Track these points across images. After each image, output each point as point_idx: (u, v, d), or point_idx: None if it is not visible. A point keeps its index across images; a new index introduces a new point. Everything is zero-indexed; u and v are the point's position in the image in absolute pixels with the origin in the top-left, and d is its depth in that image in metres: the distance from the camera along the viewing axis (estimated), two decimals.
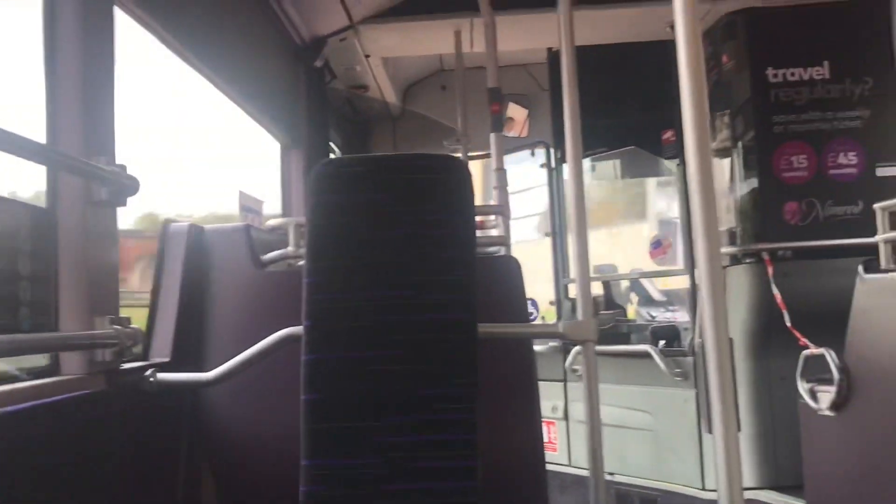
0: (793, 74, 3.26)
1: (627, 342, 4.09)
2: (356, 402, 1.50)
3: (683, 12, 1.29)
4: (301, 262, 2.03)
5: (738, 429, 1.31)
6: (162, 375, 1.78)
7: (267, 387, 1.95)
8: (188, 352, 1.97)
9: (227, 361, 1.76)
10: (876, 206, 2.40)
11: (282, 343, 1.71)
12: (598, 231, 4.88)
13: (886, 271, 2.33)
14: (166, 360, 1.89)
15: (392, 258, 1.55)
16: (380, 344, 1.51)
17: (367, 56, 3.73)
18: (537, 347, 3.79)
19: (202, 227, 2.10)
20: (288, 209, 3.18)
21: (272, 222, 2.29)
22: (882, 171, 3.19)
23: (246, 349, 1.74)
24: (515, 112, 4.71)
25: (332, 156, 4.01)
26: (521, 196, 4.73)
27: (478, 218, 2.59)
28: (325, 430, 1.49)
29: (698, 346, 3.32)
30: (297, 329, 1.60)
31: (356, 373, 1.50)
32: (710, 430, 1.37)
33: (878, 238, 2.40)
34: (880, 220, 2.39)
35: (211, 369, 1.79)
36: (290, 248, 2.11)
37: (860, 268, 2.37)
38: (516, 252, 2.41)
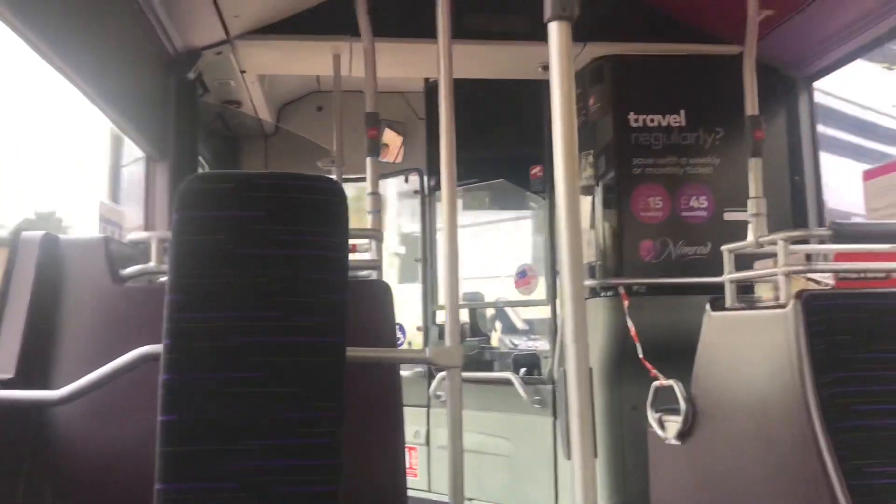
0: (652, 120, 3.46)
1: (491, 369, 4.18)
2: (215, 424, 1.46)
3: (559, 55, 1.36)
4: (163, 279, 1.96)
5: (595, 455, 1.37)
6: (3, 393, 1.67)
7: (122, 407, 1.86)
8: (35, 368, 1.85)
9: (78, 380, 1.68)
10: (723, 248, 2.58)
11: (139, 361, 1.64)
12: None
13: (731, 309, 2.50)
14: (9, 376, 1.78)
15: (260, 278, 1.52)
16: (243, 366, 1.48)
17: (242, 72, 3.66)
18: (403, 373, 3.80)
19: (57, 236, 1.99)
20: (151, 222, 3.06)
21: (134, 235, 2.20)
22: (729, 216, 3.42)
23: (101, 367, 1.66)
24: (391, 138, 4.75)
25: (200, 170, 3.90)
26: None
27: (351, 241, 2.59)
28: (181, 453, 1.44)
29: (558, 374, 3.43)
30: (157, 348, 1.54)
31: (216, 395, 1.46)
32: (568, 457, 1.42)
33: (724, 278, 2.57)
34: (726, 261, 2.57)
35: (61, 388, 1.69)
36: (151, 264, 2.04)
37: (707, 305, 2.54)
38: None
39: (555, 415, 3.52)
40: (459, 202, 5.27)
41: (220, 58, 3.40)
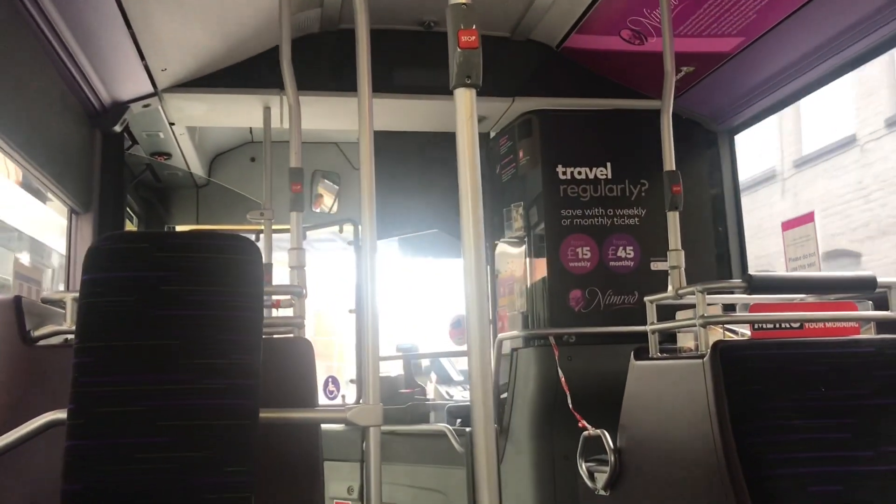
0: (579, 173, 3.54)
1: (426, 421, 4.14)
2: (120, 492, 1.41)
3: (464, 120, 1.40)
4: None
5: None
6: None
7: (31, 476, 1.79)
8: None
9: None
10: (646, 298, 2.62)
11: (45, 427, 1.59)
12: None
13: (654, 359, 2.54)
14: None
15: (171, 340, 1.50)
16: (150, 431, 1.45)
17: (171, 124, 3.64)
18: (335, 427, 3.75)
19: None
20: (73, 280, 2.98)
21: (48, 294, 2.14)
22: (655, 265, 3.50)
23: (6, 432, 1.61)
24: (325, 188, 4.74)
25: (127, 223, 3.84)
26: None
27: (275, 297, 2.57)
28: None
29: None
30: (64, 412, 1.50)
31: (122, 462, 1.42)
32: None
33: (646, 328, 2.61)
34: (649, 312, 2.61)
35: None
36: (65, 324, 1.98)
37: (632, 354, 2.57)
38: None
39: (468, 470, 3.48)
40: (396, 251, 5.30)
41: (148, 110, 3.37)
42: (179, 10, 2.83)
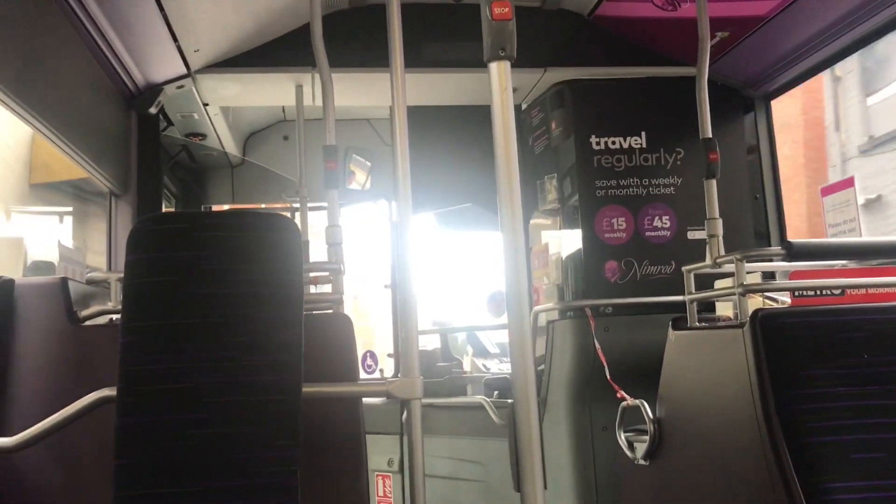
0: (614, 143, 3.50)
1: (464, 394, 4.17)
2: (170, 468, 1.45)
3: (499, 93, 1.40)
4: None
5: (545, 487, 1.37)
6: None
7: (83, 452, 1.84)
8: None
9: (34, 425, 1.66)
10: (684, 268, 2.60)
11: (96, 404, 1.63)
12: None
13: (692, 328, 2.52)
14: None
15: (213, 318, 1.52)
16: (196, 407, 1.48)
17: (205, 104, 3.67)
18: (374, 400, 3.79)
19: (12, 280, 1.98)
20: (115, 261, 3.04)
21: (93, 275, 2.19)
22: (692, 235, 3.46)
23: (58, 411, 1.65)
24: (358, 165, 4.76)
25: (164, 204, 3.89)
26: None
27: (313, 274, 2.59)
28: (135, 498, 1.43)
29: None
30: (113, 391, 1.54)
31: (171, 437, 1.46)
32: (516, 488, 1.43)
33: (685, 297, 2.60)
34: (687, 281, 2.59)
35: (16, 433, 1.67)
36: (110, 303, 2.03)
37: (670, 324, 2.56)
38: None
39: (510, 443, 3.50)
40: (431, 225, 5.31)
41: (182, 91, 3.40)
42: None
